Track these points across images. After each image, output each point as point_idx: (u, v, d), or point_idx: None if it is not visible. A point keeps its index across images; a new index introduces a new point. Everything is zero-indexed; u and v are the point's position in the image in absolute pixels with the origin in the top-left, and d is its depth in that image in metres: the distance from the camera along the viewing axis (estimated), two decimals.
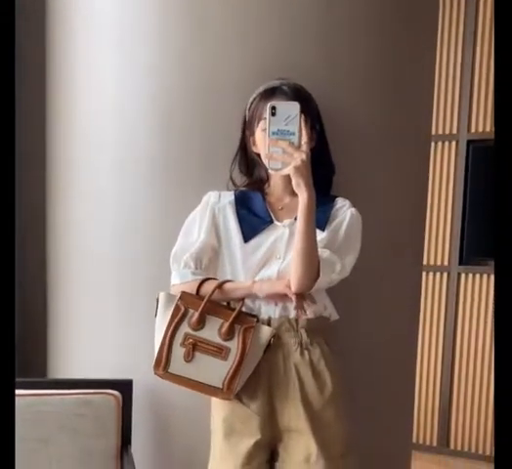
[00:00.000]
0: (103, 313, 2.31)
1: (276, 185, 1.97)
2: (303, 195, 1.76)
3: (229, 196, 1.98)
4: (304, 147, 1.77)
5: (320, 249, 1.82)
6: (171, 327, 1.84)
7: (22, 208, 2.46)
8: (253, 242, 1.91)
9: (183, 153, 2.15)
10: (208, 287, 1.88)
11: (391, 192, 2.25)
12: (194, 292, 1.88)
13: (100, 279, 2.32)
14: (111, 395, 2.13)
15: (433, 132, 4.04)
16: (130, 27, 2.19)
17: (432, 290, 4.78)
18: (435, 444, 4.81)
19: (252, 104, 1.94)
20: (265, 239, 1.91)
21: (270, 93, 1.90)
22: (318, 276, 1.81)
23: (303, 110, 1.78)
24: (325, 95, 1.98)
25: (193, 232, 1.96)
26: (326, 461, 1.84)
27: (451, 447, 4.76)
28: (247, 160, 2.02)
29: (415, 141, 2.36)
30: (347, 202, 1.95)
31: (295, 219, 1.86)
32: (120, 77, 2.22)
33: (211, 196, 1.98)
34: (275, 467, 1.92)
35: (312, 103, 1.93)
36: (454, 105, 4.66)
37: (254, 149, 1.97)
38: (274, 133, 1.77)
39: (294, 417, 1.86)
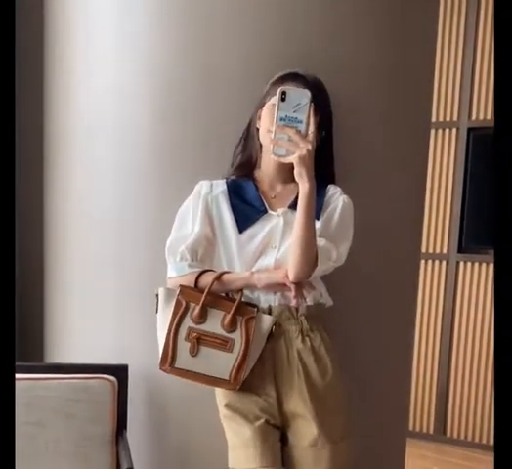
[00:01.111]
0: (100, 300, 2.32)
1: (266, 169, 1.95)
2: (304, 185, 1.74)
3: (221, 186, 1.95)
4: (310, 136, 1.76)
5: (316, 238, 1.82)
6: (174, 323, 1.83)
7: (21, 181, 2.43)
8: (248, 232, 1.90)
9: (181, 136, 2.14)
10: (207, 279, 1.86)
11: (390, 180, 2.25)
12: (192, 285, 1.87)
13: (98, 270, 2.32)
14: (107, 380, 2.13)
15: (433, 119, 4.04)
16: (130, 10, 2.18)
17: (431, 278, 4.78)
18: (431, 431, 4.82)
19: (270, 86, 1.91)
20: (260, 229, 1.89)
21: (289, 78, 1.88)
22: (316, 264, 1.81)
23: (317, 103, 1.76)
24: (326, 83, 1.95)
25: (187, 223, 1.94)
26: (331, 445, 1.86)
27: (448, 434, 4.78)
28: (248, 135, 1.99)
29: (415, 128, 2.35)
30: (338, 189, 1.94)
31: (289, 207, 1.87)
32: (120, 59, 2.21)
33: (203, 186, 1.96)
34: (284, 451, 1.92)
35: (326, 97, 1.91)
36: (455, 92, 4.64)
37: (257, 124, 1.93)
38: (281, 119, 1.74)
39: (299, 403, 1.87)
